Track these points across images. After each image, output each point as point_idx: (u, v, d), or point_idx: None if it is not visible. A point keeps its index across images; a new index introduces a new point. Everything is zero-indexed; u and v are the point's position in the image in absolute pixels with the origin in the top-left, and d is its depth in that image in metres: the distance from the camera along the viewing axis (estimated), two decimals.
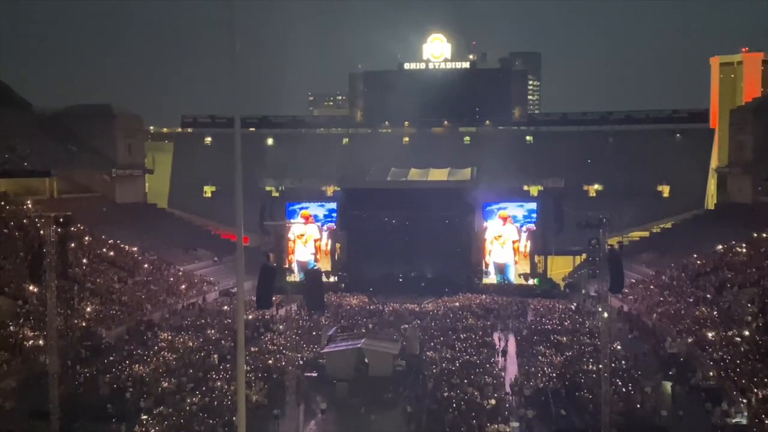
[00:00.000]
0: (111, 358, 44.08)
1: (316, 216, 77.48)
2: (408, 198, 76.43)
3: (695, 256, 62.87)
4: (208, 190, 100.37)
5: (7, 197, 65.18)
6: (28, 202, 65.50)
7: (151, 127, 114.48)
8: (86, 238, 63.23)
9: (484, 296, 67.79)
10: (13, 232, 58.05)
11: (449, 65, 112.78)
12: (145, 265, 65.66)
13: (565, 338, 49.34)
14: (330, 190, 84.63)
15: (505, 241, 74.62)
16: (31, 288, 46.36)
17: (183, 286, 65.13)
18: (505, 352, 48.74)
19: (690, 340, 45.51)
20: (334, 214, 77.67)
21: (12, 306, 47.03)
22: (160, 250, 71.67)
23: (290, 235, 77.62)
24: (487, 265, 74.58)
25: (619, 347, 46.14)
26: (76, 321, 48.21)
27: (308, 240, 77.30)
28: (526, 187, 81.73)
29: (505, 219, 74.84)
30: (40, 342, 42.34)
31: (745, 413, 33.91)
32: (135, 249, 67.59)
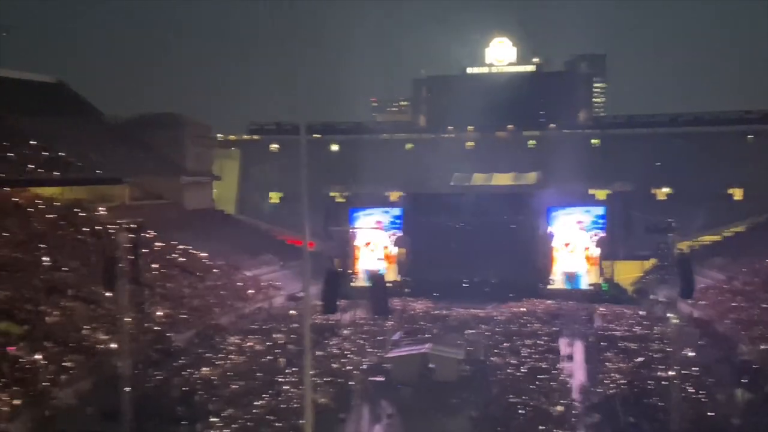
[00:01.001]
0: (181, 361, 44.97)
1: (382, 222, 77.42)
2: (472, 203, 76.09)
3: None
4: (274, 196, 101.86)
5: (80, 204, 67.18)
6: (101, 208, 67.39)
7: (219, 135, 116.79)
8: (157, 243, 64.72)
9: (549, 302, 66.97)
10: (87, 238, 59.87)
11: (513, 69, 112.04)
12: (214, 270, 66.83)
13: (633, 344, 48.43)
14: (394, 196, 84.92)
15: (574, 248, 73.45)
16: (103, 292, 47.64)
17: (250, 291, 66.07)
18: (571, 358, 48.11)
19: (764, 347, 44.16)
20: (398, 221, 77.79)
21: (86, 310, 48.41)
22: (228, 255, 72.84)
23: (356, 243, 77.54)
24: (554, 274, 73.54)
25: (690, 354, 45.05)
26: (147, 325, 49.38)
27: (376, 247, 77.17)
28: (592, 191, 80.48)
29: (578, 224, 73.44)
30: (113, 345, 43.48)
31: None
32: (204, 254, 68.85)
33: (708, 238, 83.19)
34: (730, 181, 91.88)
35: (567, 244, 73.45)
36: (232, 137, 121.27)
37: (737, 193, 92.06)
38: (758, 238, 75.57)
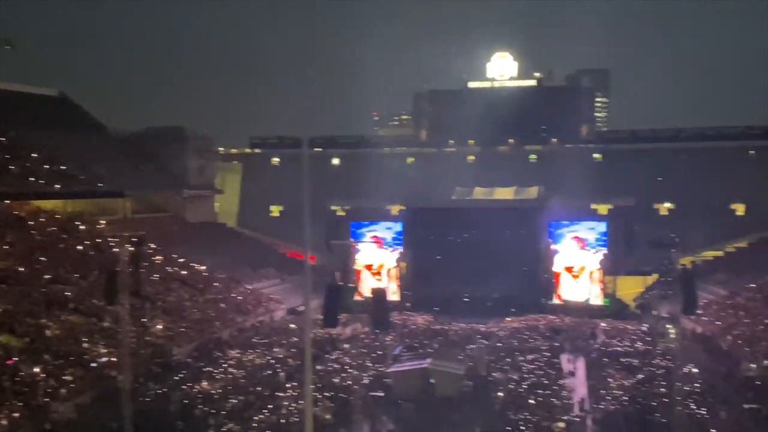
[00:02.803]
0: (181, 375, 44.83)
1: (384, 239, 77.05)
2: (473, 217, 75.94)
3: None
4: (275, 210, 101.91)
5: (82, 217, 67.25)
6: (103, 221, 67.38)
7: (221, 148, 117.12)
8: (158, 256, 64.67)
9: (551, 317, 66.75)
10: (88, 250, 59.85)
11: (515, 83, 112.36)
12: (215, 284, 66.76)
13: (636, 360, 48.19)
14: (395, 210, 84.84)
15: (579, 272, 72.64)
16: (104, 306, 47.58)
17: (251, 305, 65.96)
18: (573, 374, 47.88)
19: (767, 364, 43.92)
20: (399, 236, 77.39)
21: (86, 323, 48.33)
22: (229, 268, 72.78)
23: (357, 266, 76.27)
24: (559, 297, 72.63)
25: (693, 370, 44.80)
26: (147, 338, 49.29)
27: (380, 269, 75.92)
28: (594, 206, 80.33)
29: (580, 242, 72.78)
30: (113, 359, 43.36)
31: None
32: (205, 268, 68.80)
33: (710, 254, 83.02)
34: (732, 197, 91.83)
35: (570, 268, 72.80)
36: (233, 150, 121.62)
37: (740, 209, 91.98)
38: (761, 253, 75.33)
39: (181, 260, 67.60)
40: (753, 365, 45.11)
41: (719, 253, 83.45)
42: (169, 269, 64.61)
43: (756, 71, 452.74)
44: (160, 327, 52.40)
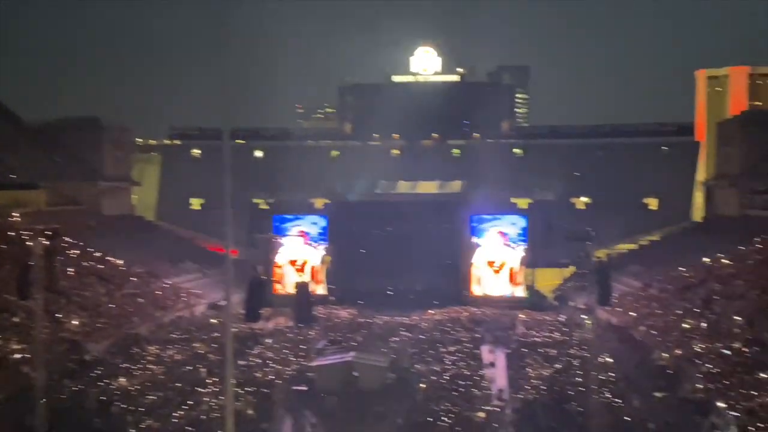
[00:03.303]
0: (98, 372, 43.69)
1: (308, 234, 76.56)
2: (397, 210, 76.42)
3: (683, 268, 63.15)
4: (195, 203, 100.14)
5: None
6: (15, 214, 65.04)
7: (139, 139, 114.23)
8: (73, 250, 62.85)
9: (473, 309, 67.75)
10: (0, 244, 57.67)
11: (438, 78, 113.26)
12: (133, 278, 65.30)
13: (553, 350, 49.37)
14: (319, 203, 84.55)
15: (500, 267, 73.90)
16: (17, 301, 45.97)
17: (170, 299, 64.77)
18: (494, 365, 48.73)
19: (678, 353, 45.60)
20: (323, 230, 77.06)
21: None
22: (148, 262, 71.31)
23: (279, 260, 75.61)
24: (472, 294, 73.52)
25: (607, 359, 46.16)
26: (62, 334, 47.85)
27: (304, 265, 75.50)
28: (514, 200, 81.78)
29: (503, 236, 73.91)
30: (26, 355, 41.97)
31: (733, 426, 33.96)
32: (122, 262, 67.23)
33: (625, 247, 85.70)
34: (645, 191, 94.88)
35: (491, 263, 74.03)
36: (152, 142, 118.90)
37: (652, 203, 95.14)
38: (672, 246, 78.27)
39: (98, 254, 65.91)
40: (665, 354, 46.76)
41: (633, 246, 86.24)
42: (84, 263, 62.88)
43: (668, 70, 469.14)
44: (75, 323, 51.01)
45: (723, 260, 60.00)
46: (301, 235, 75.38)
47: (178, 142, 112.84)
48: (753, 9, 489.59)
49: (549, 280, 78.48)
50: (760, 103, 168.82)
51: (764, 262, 55.78)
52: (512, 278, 73.44)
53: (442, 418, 36.08)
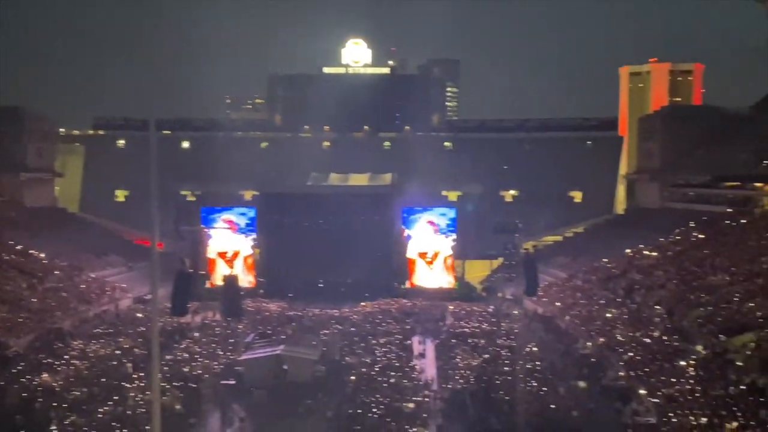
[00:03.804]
0: (20, 368, 42.43)
1: (238, 225, 75.46)
2: (328, 203, 76.19)
3: (606, 259, 64.88)
4: (120, 195, 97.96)
5: None
6: None
7: (62, 129, 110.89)
8: None
9: (403, 300, 68.16)
10: None
11: (369, 71, 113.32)
12: (56, 272, 63.58)
13: (482, 341, 50.10)
14: (248, 195, 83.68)
15: (433, 258, 74.47)
16: None
17: (95, 293, 63.31)
18: (423, 356, 49.17)
19: (601, 341, 46.84)
20: (251, 222, 76.31)
21: None
22: (71, 256, 69.55)
23: (208, 254, 74.40)
24: (413, 285, 74.19)
25: (534, 349, 47.12)
26: None
27: (235, 256, 74.54)
28: (445, 193, 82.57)
29: (434, 226, 74.54)
30: None
31: (654, 412, 35.08)
32: (44, 255, 65.39)
33: (551, 238, 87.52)
34: (571, 185, 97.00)
35: (424, 254, 74.56)
36: (76, 132, 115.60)
37: (577, 196, 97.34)
38: (596, 238, 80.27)
39: (19, 247, 64.05)
40: (588, 343, 47.98)
41: (559, 238, 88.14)
42: (5, 256, 61.04)
43: (595, 66, 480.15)
44: None
45: (644, 251, 61.90)
46: (229, 225, 74.45)
47: (102, 132, 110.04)
48: (675, 8, 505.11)
49: (478, 271, 79.55)
50: (680, 99, 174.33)
51: (683, 252, 57.78)
52: (446, 267, 74.26)
53: (373, 409, 36.26)
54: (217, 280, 69.33)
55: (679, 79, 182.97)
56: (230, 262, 73.64)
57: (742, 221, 59.69)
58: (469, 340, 50.47)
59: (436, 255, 74.66)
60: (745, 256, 50.53)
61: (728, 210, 64.09)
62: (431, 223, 74.79)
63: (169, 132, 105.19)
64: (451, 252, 74.32)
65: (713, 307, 43.63)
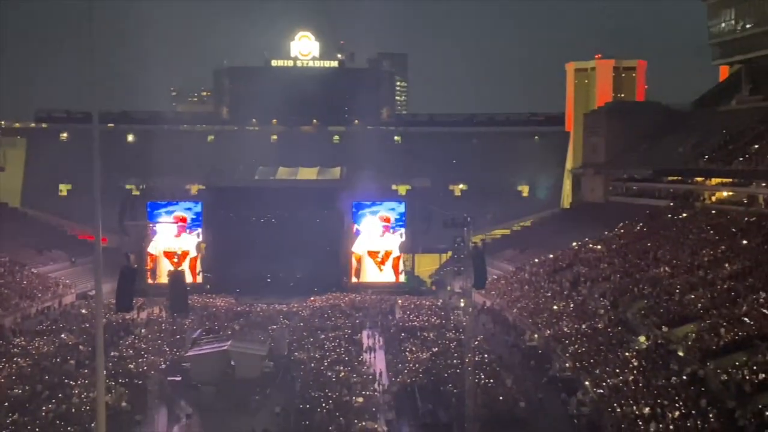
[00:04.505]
0: None
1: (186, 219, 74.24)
2: (276, 197, 75.67)
3: (552, 253, 65.77)
4: (63, 189, 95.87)
5: None
6: None
7: (2, 122, 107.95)
8: None
9: (353, 295, 68.17)
10: None
11: (317, 63, 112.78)
12: None
13: (431, 334, 50.39)
14: (195, 189, 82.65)
15: (384, 257, 74.31)
16: None
17: (37, 289, 61.85)
18: (372, 350, 49.24)
19: (547, 333, 47.49)
20: (198, 216, 75.23)
21: None
22: (12, 251, 67.69)
23: (153, 250, 72.92)
24: (358, 283, 73.61)
25: (482, 342, 47.56)
26: None
27: (184, 256, 73.32)
28: (394, 187, 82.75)
29: (386, 221, 74.49)
30: None
31: (599, 402, 35.71)
32: None
33: (499, 232, 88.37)
34: (519, 179, 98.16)
35: (375, 253, 74.36)
36: (17, 125, 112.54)
37: (525, 190, 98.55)
38: (542, 231, 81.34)
39: None
40: (535, 335, 48.63)
41: (507, 231, 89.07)
42: None
43: (542, 62, 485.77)
44: None
45: (589, 244, 62.94)
46: (181, 220, 73.29)
47: (44, 125, 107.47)
48: (620, 6, 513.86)
49: (427, 265, 79.98)
50: (624, 95, 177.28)
51: (627, 245, 58.91)
52: (395, 266, 74.36)
53: (321, 403, 36.19)
54: (162, 275, 68.30)
55: (623, 75, 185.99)
56: (179, 263, 72.28)
57: (684, 215, 61.15)
58: (418, 334, 50.73)
59: (388, 254, 74.59)
60: (687, 249, 51.75)
61: (670, 204, 65.58)
62: (385, 219, 74.62)
63: (113, 125, 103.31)
64: (399, 252, 74.44)
65: (656, 298, 44.58)
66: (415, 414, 36.40)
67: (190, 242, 74.12)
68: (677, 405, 31.59)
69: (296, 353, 46.21)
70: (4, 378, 39.13)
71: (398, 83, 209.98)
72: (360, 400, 37.27)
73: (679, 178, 69.35)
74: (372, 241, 74.66)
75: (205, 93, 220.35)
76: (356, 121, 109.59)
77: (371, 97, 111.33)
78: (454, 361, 42.62)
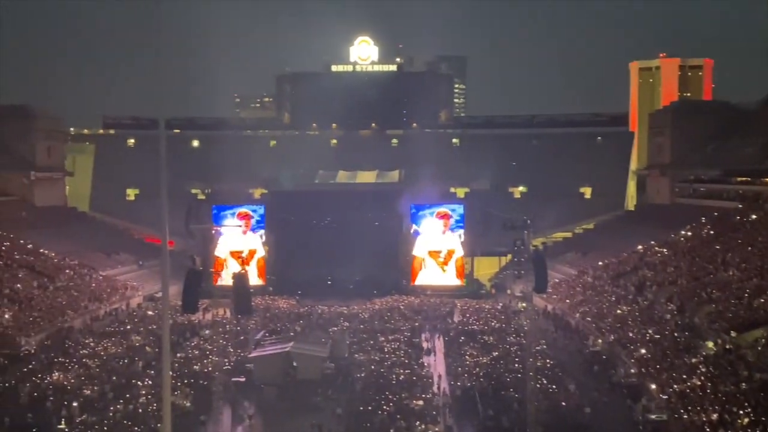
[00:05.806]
0: (31, 367, 42.68)
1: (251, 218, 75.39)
2: (336, 200, 76.31)
3: (616, 256, 64.62)
4: (131, 193, 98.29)
5: None
6: None
7: (72, 129, 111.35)
8: (4, 243, 61.17)
9: (412, 297, 68.17)
10: None
11: (376, 68, 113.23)
12: (66, 271, 63.81)
13: (491, 338, 50.05)
14: (257, 193, 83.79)
15: (446, 258, 73.90)
16: None
17: (105, 292, 63.51)
18: (432, 353, 49.14)
19: (612, 338, 46.71)
20: (261, 219, 76.23)
21: None
22: (82, 254, 69.73)
23: (219, 253, 73.98)
24: (417, 286, 73.07)
25: (544, 346, 47.02)
26: None
27: (251, 255, 73.80)
28: (452, 189, 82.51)
29: (445, 218, 74.18)
30: None
31: (665, 408, 34.95)
32: (55, 254, 65.61)
33: (560, 235, 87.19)
34: (580, 180, 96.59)
35: (436, 253, 73.99)
36: (86, 131, 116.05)
37: (587, 192, 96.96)
38: (606, 234, 79.97)
39: (29, 246, 64.27)
40: (599, 340, 47.86)
41: (568, 234, 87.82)
42: (16, 255, 61.25)
43: (605, 61, 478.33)
44: (6, 316, 49.69)
45: (655, 247, 61.65)
46: (243, 217, 74.11)
47: (112, 131, 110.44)
48: (685, 2, 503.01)
49: (486, 268, 79.36)
50: (690, 94, 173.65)
51: (694, 249, 57.52)
52: (459, 267, 73.89)
53: (382, 406, 36.27)
54: (227, 277, 69.18)
55: (689, 74, 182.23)
56: (246, 262, 73.15)
57: (753, 217, 59.36)
58: (478, 337, 50.44)
59: (450, 254, 74.15)
60: (756, 251, 50.27)
61: (739, 206, 63.76)
62: (444, 215, 74.15)
63: (178, 131, 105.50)
64: (459, 248, 74.01)
65: (724, 302, 43.46)
66: (475, 418, 36.15)
67: (257, 242, 75.01)
68: (746, 411, 30.73)
69: (357, 355, 46.41)
70: (73, 378, 40.25)
71: (456, 86, 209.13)
72: (420, 403, 37.23)
73: (748, 179, 67.42)
74: (433, 241, 74.44)
75: (267, 99, 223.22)
76: (414, 124, 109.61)
77: (429, 100, 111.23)
78: (515, 365, 42.23)
